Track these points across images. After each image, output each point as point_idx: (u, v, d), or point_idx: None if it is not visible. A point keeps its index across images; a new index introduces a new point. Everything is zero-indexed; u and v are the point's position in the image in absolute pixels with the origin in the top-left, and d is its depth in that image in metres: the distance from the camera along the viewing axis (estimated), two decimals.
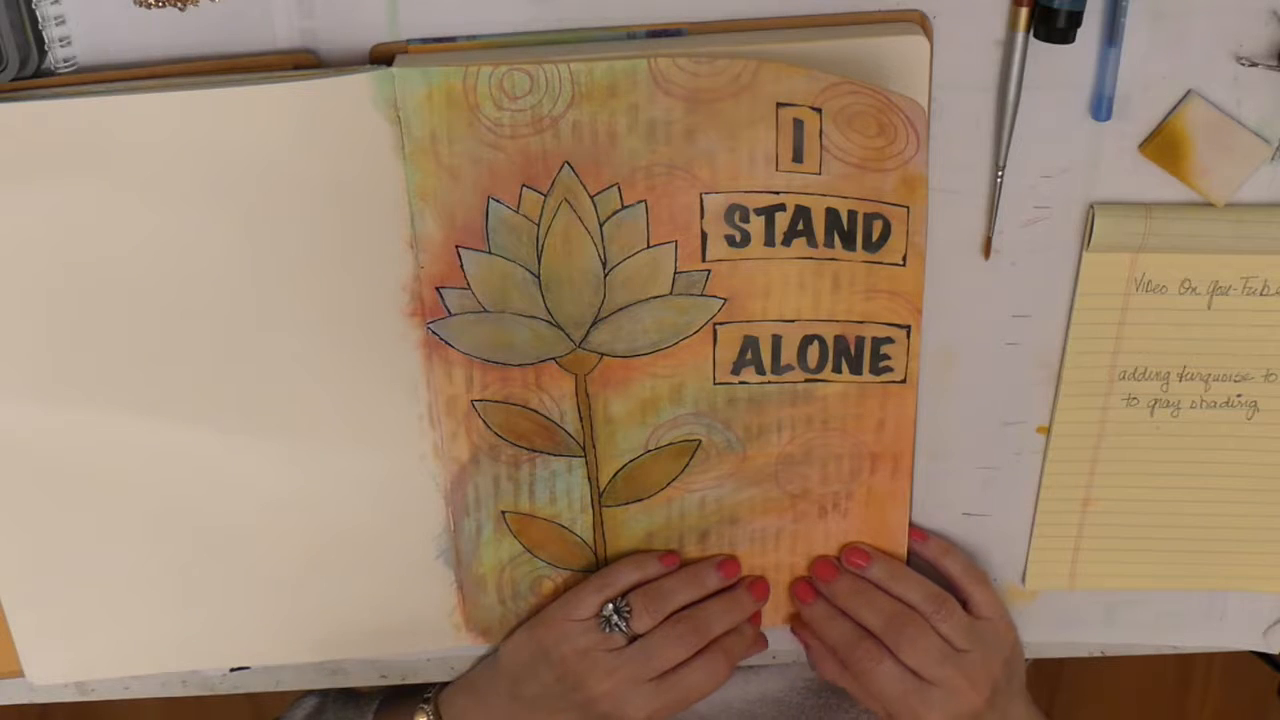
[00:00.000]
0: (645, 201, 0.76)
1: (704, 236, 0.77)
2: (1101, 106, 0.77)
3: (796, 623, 0.89)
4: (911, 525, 0.87)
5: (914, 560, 0.87)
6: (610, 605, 0.84)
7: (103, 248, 0.76)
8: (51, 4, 0.73)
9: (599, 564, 0.86)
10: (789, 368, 0.81)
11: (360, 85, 0.73)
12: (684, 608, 0.84)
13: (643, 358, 0.80)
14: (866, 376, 0.81)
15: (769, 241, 0.77)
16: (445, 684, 0.91)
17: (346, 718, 0.94)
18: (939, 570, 0.86)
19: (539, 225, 0.76)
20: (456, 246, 0.77)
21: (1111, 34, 0.75)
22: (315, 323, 0.78)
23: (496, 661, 0.88)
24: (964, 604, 0.85)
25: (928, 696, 0.82)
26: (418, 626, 0.87)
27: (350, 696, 0.96)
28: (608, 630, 0.83)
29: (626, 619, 0.83)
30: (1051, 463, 0.87)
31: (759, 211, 0.76)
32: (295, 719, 0.96)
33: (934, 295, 0.80)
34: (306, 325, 0.78)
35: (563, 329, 0.79)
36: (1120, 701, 1.80)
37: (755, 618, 0.87)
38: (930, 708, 0.82)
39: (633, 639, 0.83)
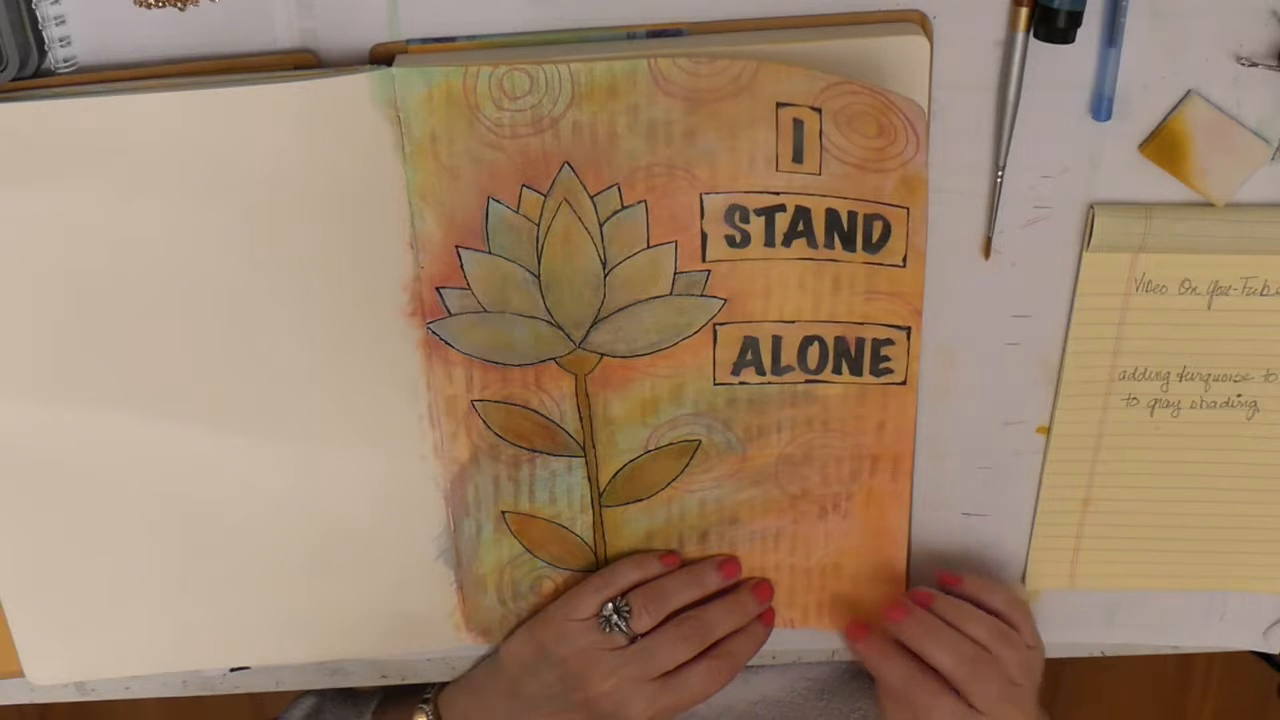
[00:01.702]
0: (645, 202, 0.76)
1: (704, 237, 0.77)
2: (1101, 106, 0.77)
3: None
4: (940, 571, 0.86)
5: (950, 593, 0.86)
6: (610, 605, 0.84)
7: (102, 248, 0.76)
8: (51, 4, 0.73)
9: (599, 564, 0.86)
10: (789, 368, 0.81)
11: (360, 85, 0.73)
12: (686, 608, 0.84)
13: (643, 358, 0.80)
14: (867, 378, 0.81)
15: (769, 242, 0.77)
16: (445, 684, 0.91)
17: (345, 717, 0.94)
18: (980, 605, 0.84)
19: (539, 225, 0.76)
20: (456, 246, 0.77)
21: (1111, 34, 0.75)
22: (315, 323, 0.78)
23: (497, 661, 0.88)
24: None
25: None
26: (418, 626, 0.87)
27: (349, 696, 0.96)
28: (608, 630, 0.83)
29: (627, 619, 0.83)
30: (1051, 463, 0.87)
31: (759, 212, 0.76)
32: (293, 718, 0.96)
33: (934, 295, 0.80)
34: (306, 325, 0.78)
35: (563, 329, 0.79)
36: (1120, 701, 1.80)
37: (766, 617, 0.87)
38: None
39: (634, 639, 0.83)
